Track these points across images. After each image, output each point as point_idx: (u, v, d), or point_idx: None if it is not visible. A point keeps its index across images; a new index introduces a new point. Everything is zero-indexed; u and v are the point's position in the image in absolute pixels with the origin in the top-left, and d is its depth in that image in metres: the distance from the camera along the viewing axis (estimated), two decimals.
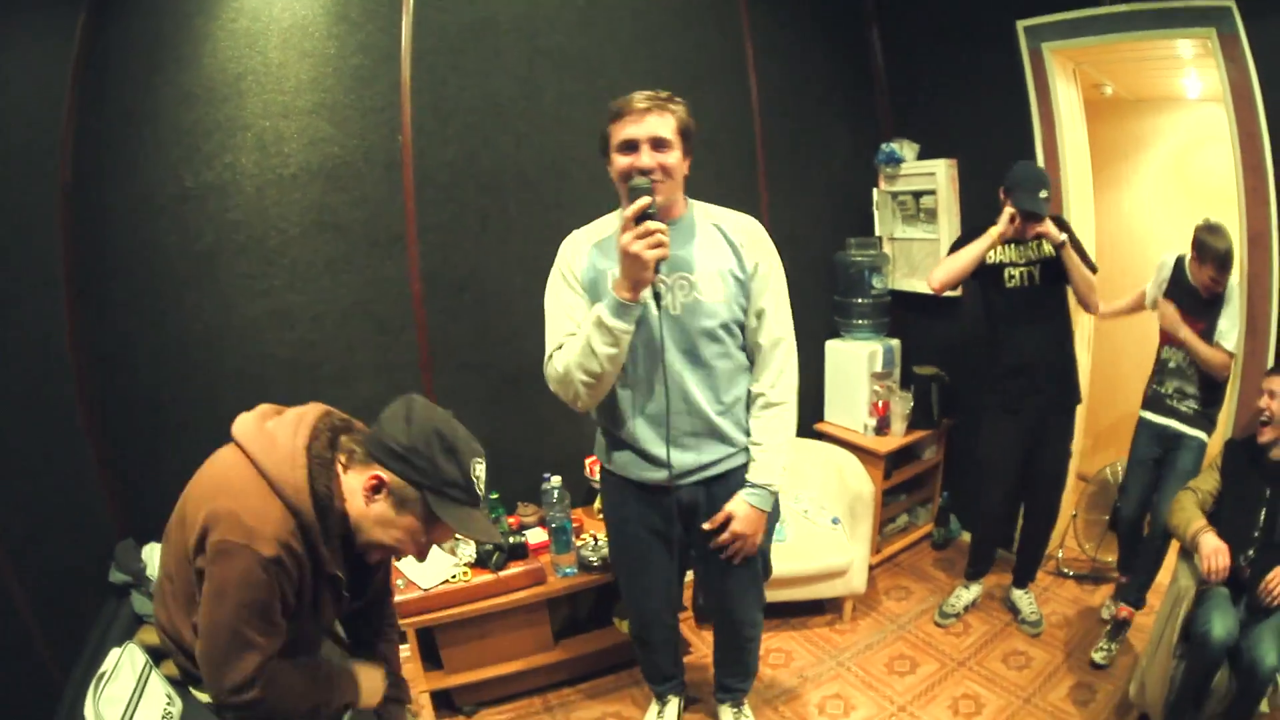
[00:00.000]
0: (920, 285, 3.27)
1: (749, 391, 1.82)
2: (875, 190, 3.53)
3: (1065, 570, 3.28)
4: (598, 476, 2.74)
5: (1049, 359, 2.66)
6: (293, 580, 1.15)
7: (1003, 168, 2.97)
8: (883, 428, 3.32)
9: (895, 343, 3.41)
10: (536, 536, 2.52)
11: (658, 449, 1.76)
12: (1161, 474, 2.70)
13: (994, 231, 2.52)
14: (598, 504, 2.59)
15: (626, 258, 1.51)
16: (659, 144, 1.62)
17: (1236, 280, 2.54)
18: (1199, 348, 2.53)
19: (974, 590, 3.06)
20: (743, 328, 1.77)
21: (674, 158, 1.64)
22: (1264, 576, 2.11)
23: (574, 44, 2.72)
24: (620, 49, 2.81)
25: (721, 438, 1.79)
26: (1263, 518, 2.20)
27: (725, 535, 1.81)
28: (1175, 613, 2.21)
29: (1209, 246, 2.45)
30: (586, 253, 1.75)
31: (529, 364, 2.69)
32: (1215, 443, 2.65)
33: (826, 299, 3.48)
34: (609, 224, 1.79)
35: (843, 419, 3.43)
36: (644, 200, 1.49)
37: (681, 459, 1.77)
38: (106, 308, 2.27)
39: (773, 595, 2.81)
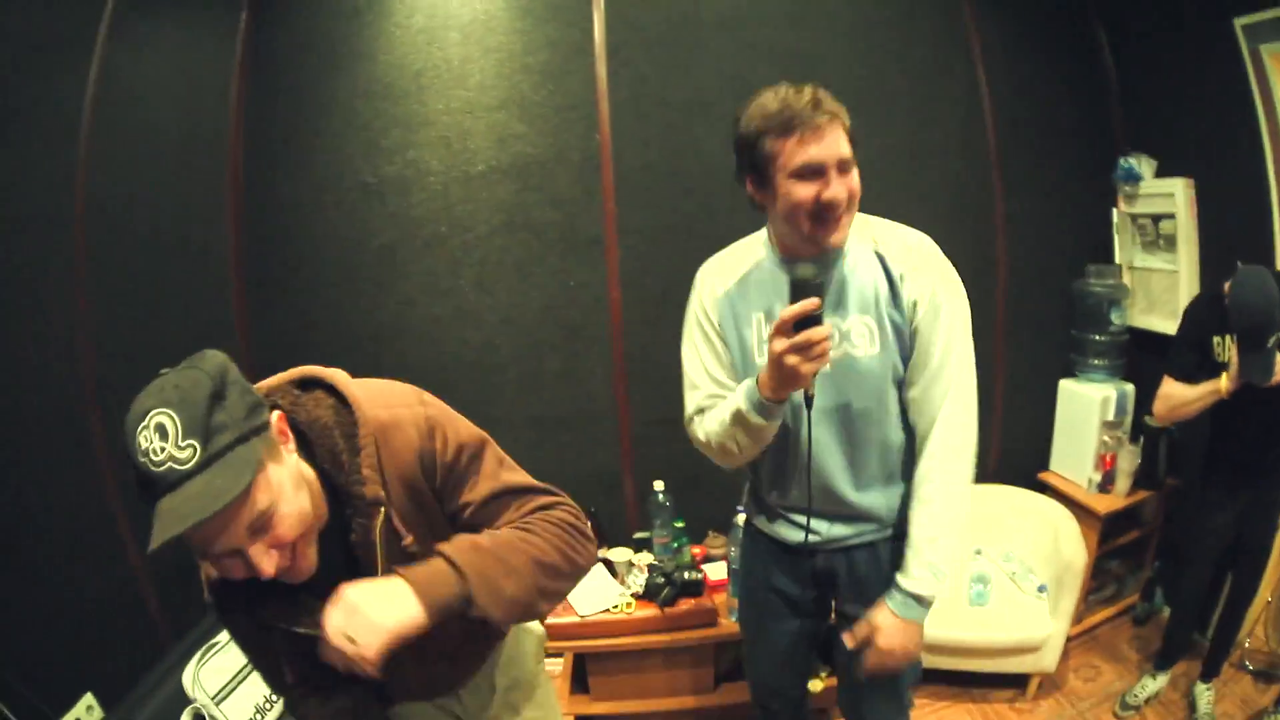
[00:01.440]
0: (1158, 323, 2.89)
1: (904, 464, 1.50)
2: (1115, 211, 3.15)
3: (1246, 664, 2.92)
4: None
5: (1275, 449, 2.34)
6: None
7: (1237, 192, 2.59)
8: (1106, 484, 3.00)
9: (1130, 388, 3.06)
10: (717, 572, 2.32)
11: (797, 518, 1.53)
12: None
13: (1220, 387, 2.21)
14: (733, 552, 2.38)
15: (780, 369, 1.21)
16: (844, 166, 1.28)
17: None
18: None
19: (1160, 680, 2.75)
20: (902, 385, 1.42)
21: (857, 180, 1.30)
22: None
23: (786, 39, 2.51)
24: (837, 44, 2.57)
25: (868, 518, 1.50)
26: None
27: (872, 659, 1.42)
28: None
29: None
30: (725, 293, 1.46)
31: None
32: None
33: (1063, 333, 3.12)
34: (749, 252, 1.48)
35: (1067, 470, 3.11)
36: (812, 302, 1.16)
37: (825, 529, 1.52)
38: (280, 298, 2.31)
39: (956, 664, 2.53)
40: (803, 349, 1.17)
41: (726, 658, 2.41)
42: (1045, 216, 3.01)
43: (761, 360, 1.38)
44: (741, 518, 2.32)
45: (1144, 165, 3.01)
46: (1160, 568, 3.24)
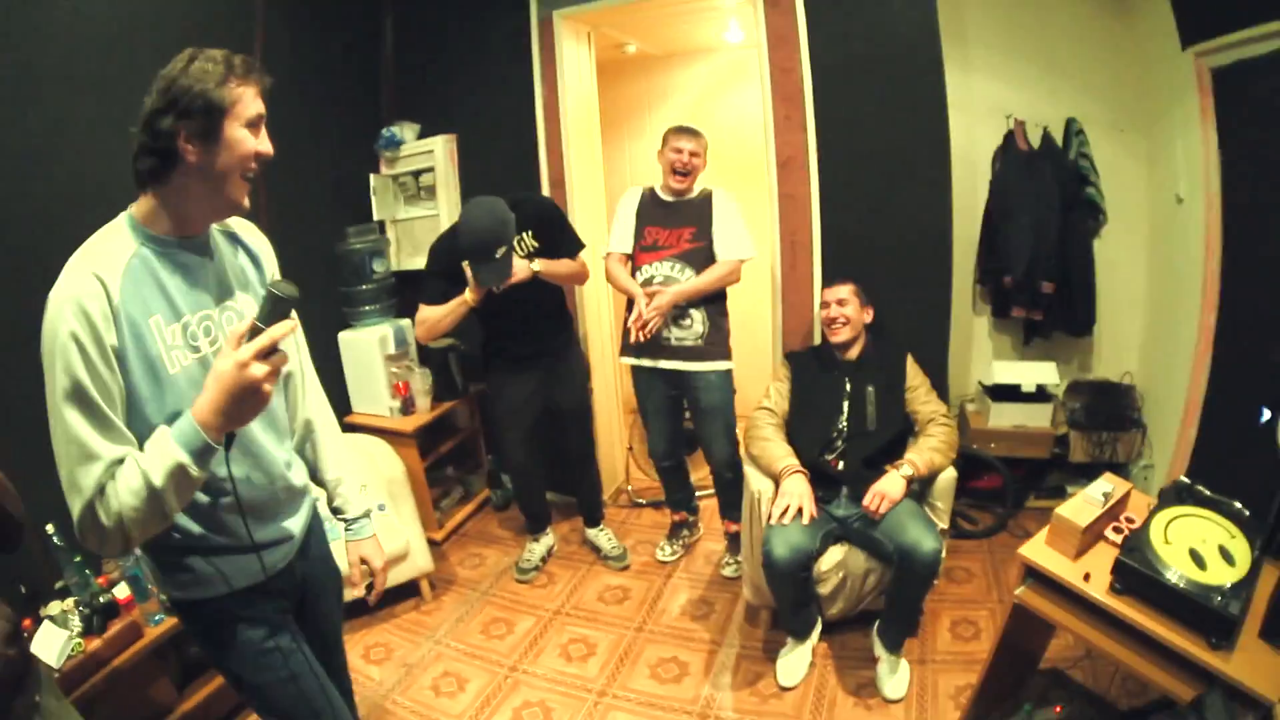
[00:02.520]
0: (422, 262, 2.87)
1: None
2: (373, 176, 3.52)
3: (639, 500, 3.52)
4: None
5: (551, 328, 2.81)
6: None
7: (504, 137, 3.20)
8: (408, 407, 3.29)
9: (405, 323, 3.39)
10: (123, 591, 2.23)
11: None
12: (693, 415, 2.78)
13: (467, 298, 2.50)
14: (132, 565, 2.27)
15: (239, 392, 1.07)
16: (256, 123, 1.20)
17: (730, 197, 2.68)
18: (706, 281, 2.54)
19: (544, 542, 3.15)
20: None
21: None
22: (858, 466, 2.24)
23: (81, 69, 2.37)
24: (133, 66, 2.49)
25: None
26: (847, 410, 2.33)
27: None
28: (756, 515, 2.32)
29: (676, 129, 2.62)
30: (114, 305, 1.12)
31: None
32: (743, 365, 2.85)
33: (334, 291, 3.36)
34: (112, 250, 1.16)
35: (368, 406, 3.37)
36: (292, 324, 1.14)
37: None
38: None
39: (350, 594, 2.41)
40: (270, 353, 1.08)
41: (177, 666, 2.38)
42: (312, 190, 3.27)
43: (181, 370, 1.18)
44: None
45: (407, 131, 3.48)
46: (495, 460, 3.76)
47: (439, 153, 3.40)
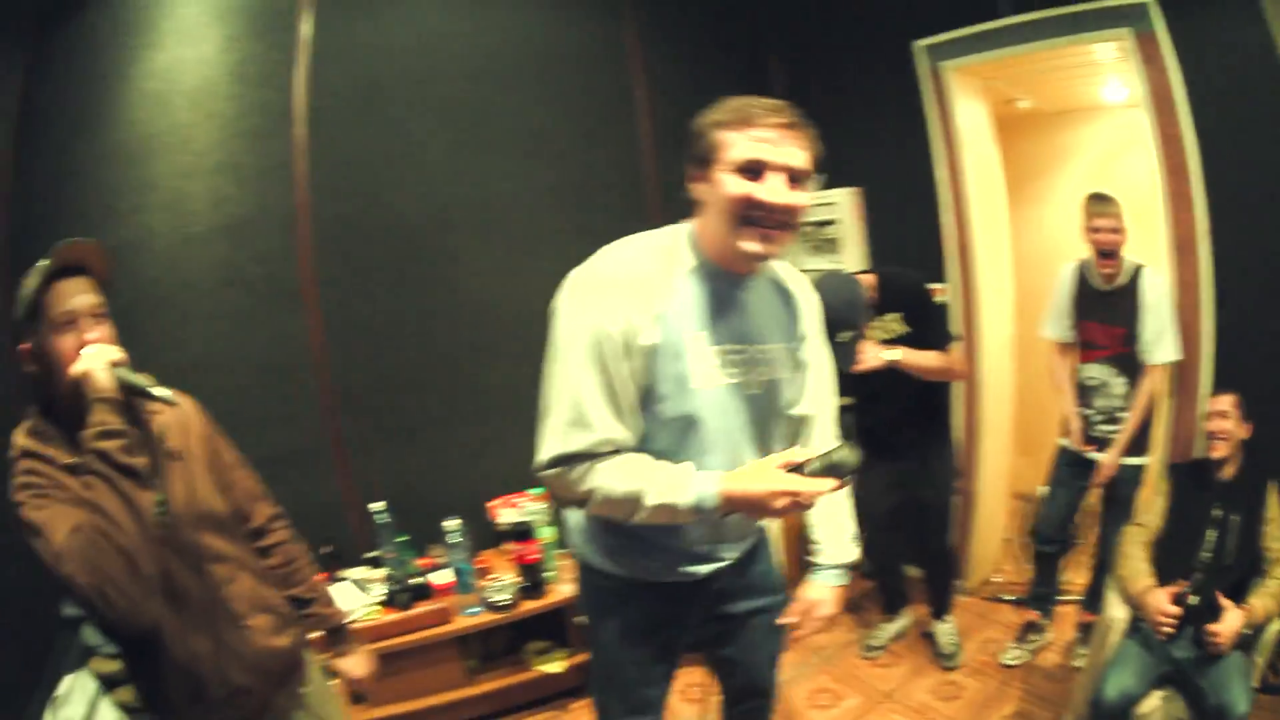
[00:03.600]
0: None
1: None
2: None
3: (1003, 596, 3.26)
4: (501, 519, 2.81)
5: (911, 420, 2.64)
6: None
7: (907, 195, 2.94)
8: None
9: None
10: (444, 578, 2.57)
11: (700, 549, 1.47)
12: (1105, 508, 2.66)
13: None
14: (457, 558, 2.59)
15: (757, 504, 1.18)
16: (795, 177, 1.21)
17: (1160, 281, 2.47)
18: (1142, 399, 2.45)
19: (899, 622, 3.02)
20: None
21: (804, 200, 1.23)
22: (1211, 603, 2.05)
23: (464, 95, 2.81)
24: (511, 99, 2.88)
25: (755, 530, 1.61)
26: (1212, 540, 2.17)
27: (815, 628, 1.55)
28: (1104, 642, 2.20)
29: (1092, 198, 2.46)
30: (660, 311, 1.23)
31: (431, 409, 2.84)
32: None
33: None
34: (670, 258, 1.28)
35: None
36: (829, 486, 1.18)
37: (730, 552, 1.51)
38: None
39: None
40: (795, 496, 1.16)
41: (474, 653, 2.64)
42: None
43: (705, 387, 1.28)
44: (454, 524, 2.56)
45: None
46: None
47: (842, 206, 3.31)
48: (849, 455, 1.19)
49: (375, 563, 2.60)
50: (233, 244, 2.57)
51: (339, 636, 1.62)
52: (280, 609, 1.41)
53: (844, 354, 2.20)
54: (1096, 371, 2.57)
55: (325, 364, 2.68)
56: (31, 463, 1.16)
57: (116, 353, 1.21)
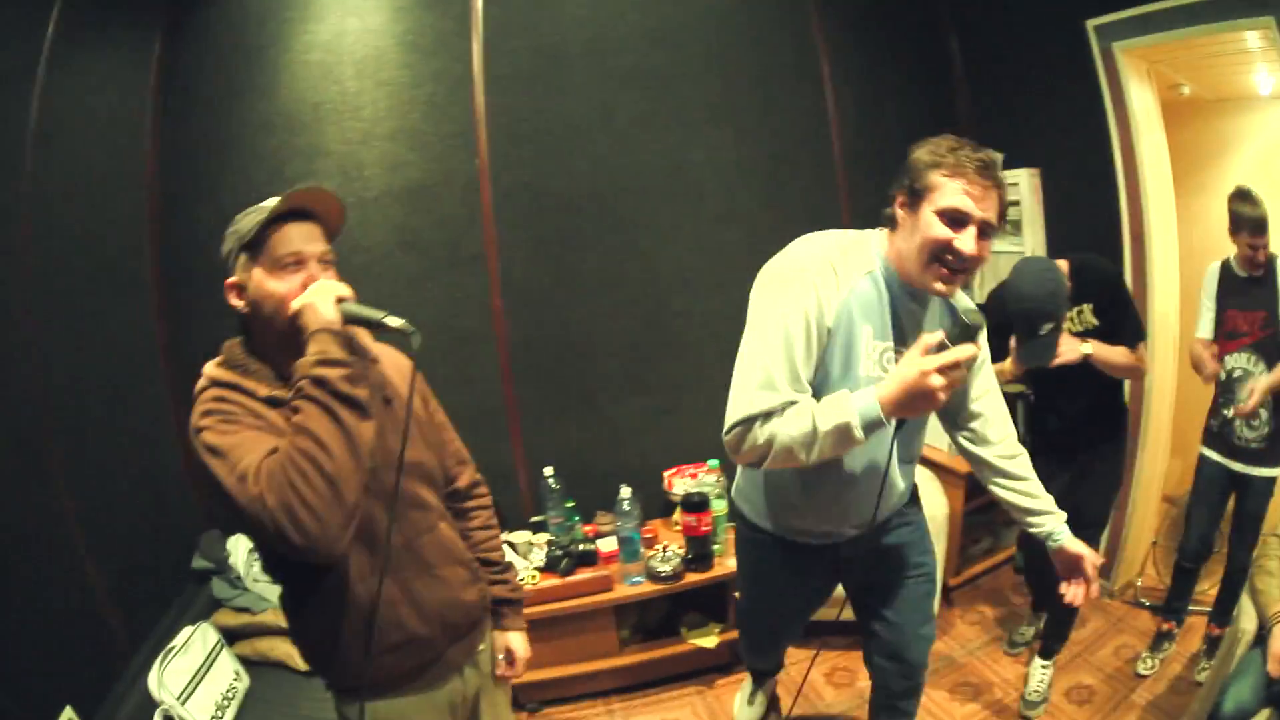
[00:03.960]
0: None
1: None
2: None
3: (1143, 600, 3.17)
4: (675, 489, 2.81)
5: (1095, 420, 2.52)
6: None
7: (1083, 178, 2.85)
8: None
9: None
10: (608, 545, 2.58)
11: (838, 528, 1.66)
12: (1235, 521, 2.54)
13: (1005, 368, 2.32)
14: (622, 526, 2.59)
15: (916, 394, 1.23)
16: (986, 229, 1.32)
17: None
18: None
19: (1042, 620, 2.93)
20: None
21: (988, 250, 1.36)
22: None
23: (646, 61, 2.78)
24: (694, 64, 2.84)
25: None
26: None
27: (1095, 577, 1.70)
28: (1231, 654, 2.12)
29: (1239, 215, 2.35)
30: (846, 298, 1.40)
31: (608, 376, 2.85)
32: None
33: None
34: (860, 258, 1.44)
35: (931, 439, 3.24)
36: (974, 349, 1.25)
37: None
38: (195, 318, 2.47)
39: (848, 613, 2.77)
40: (950, 369, 1.22)
41: (628, 623, 2.66)
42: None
43: (866, 375, 1.41)
44: (626, 492, 2.56)
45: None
46: None
47: (1024, 186, 3.21)
48: (974, 315, 1.29)
49: (537, 527, 2.63)
50: (410, 208, 2.63)
51: (511, 609, 1.57)
52: (472, 564, 1.40)
53: (1044, 347, 2.15)
54: (1239, 361, 2.47)
55: (503, 328, 2.72)
56: (223, 391, 1.10)
57: (344, 289, 1.12)
